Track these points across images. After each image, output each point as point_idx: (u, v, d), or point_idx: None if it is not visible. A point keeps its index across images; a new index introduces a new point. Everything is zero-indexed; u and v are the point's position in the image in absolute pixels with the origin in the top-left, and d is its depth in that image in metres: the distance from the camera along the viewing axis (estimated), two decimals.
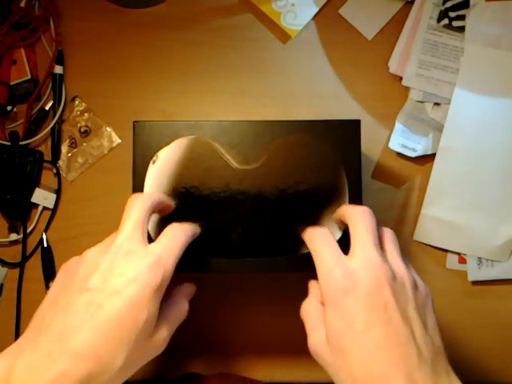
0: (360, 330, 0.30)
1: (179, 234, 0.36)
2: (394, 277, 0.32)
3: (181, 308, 0.37)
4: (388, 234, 0.37)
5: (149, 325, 0.32)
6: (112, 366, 0.30)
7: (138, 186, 0.41)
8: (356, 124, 0.42)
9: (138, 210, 0.35)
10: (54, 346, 0.29)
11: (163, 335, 0.34)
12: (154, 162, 0.41)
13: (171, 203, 0.40)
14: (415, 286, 0.34)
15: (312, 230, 0.37)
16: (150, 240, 0.36)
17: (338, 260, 0.33)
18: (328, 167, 0.41)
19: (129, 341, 0.30)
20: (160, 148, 0.41)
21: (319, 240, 0.35)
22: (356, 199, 0.41)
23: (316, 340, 0.33)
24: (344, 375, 0.31)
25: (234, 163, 0.41)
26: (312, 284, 0.37)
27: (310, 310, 0.35)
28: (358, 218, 0.35)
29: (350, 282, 0.31)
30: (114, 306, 0.30)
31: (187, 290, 0.39)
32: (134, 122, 0.42)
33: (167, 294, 0.34)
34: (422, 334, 0.31)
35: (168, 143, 0.41)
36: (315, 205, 0.40)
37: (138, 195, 0.37)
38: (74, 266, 0.34)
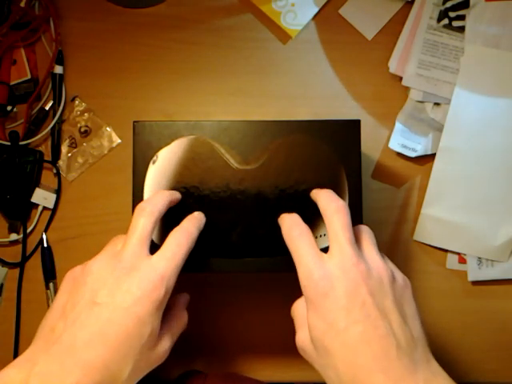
0: (340, 329, 0.32)
1: (182, 244, 0.36)
2: (370, 274, 0.33)
3: (181, 319, 0.38)
4: (364, 229, 0.38)
5: (152, 338, 0.34)
6: (119, 376, 0.32)
7: (137, 186, 0.41)
8: (356, 124, 0.42)
9: (144, 223, 0.35)
10: (66, 357, 0.31)
11: (165, 346, 0.35)
12: (154, 162, 0.41)
13: (177, 195, 0.40)
14: (393, 280, 0.35)
15: (290, 228, 0.36)
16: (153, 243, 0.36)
17: (316, 262, 0.34)
18: (328, 167, 0.41)
19: (134, 353, 0.32)
20: (160, 148, 0.41)
21: (298, 240, 0.35)
22: (356, 199, 0.41)
23: (302, 338, 0.35)
24: (329, 371, 0.32)
25: (234, 163, 0.41)
26: None
27: (298, 308, 0.36)
28: (334, 215, 0.35)
29: (329, 284, 0.33)
30: (122, 321, 0.32)
31: (184, 300, 0.40)
32: (134, 122, 0.42)
33: (167, 304, 0.35)
34: (400, 325, 0.32)
35: (168, 143, 0.41)
36: (315, 205, 0.40)
37: (144, 206, 0.36)
38: (80, 277, 0.35)
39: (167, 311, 0.36)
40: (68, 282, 0.36)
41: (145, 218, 0.36)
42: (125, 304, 0.32)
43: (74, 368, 0.30)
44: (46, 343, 0.32)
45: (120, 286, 0.33)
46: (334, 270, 0.33)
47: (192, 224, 0.38)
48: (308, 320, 0.34)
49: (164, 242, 0.36)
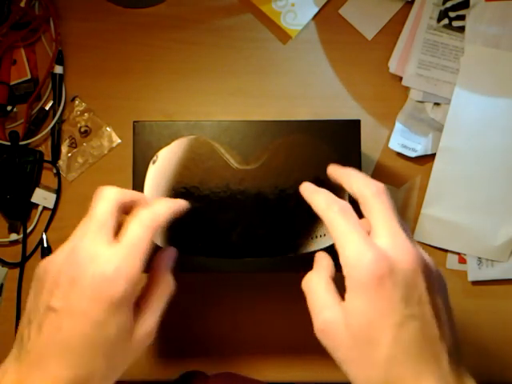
0: (395, 322, 0.28)
1: (147, 226, 0.32)
2: (426, 266, 0.30)
3: (164, 286, 0.34)
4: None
5: (121, 333, 0.31)
6: (92, 380, 0.30)
7: (137, 186, 0.41)
8: (356, 124, 0.42)
9: (102, 207, 0.32)
10: (34, 370, 0.29)
11: (147, 328, 0.32)
12: (153, 162, 0.41)
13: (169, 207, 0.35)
14: (439, 277, 0.31)
15: (329, 204, 0.32)
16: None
17: (367, 241, 0.30)
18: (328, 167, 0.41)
19: (104, 354, 0.30)
20: (160, 148, 0.41)
21: (341, 216, 0.31)
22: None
23: (329, 320, 0.30)
24: (362, 363, 0.29)
25: (233, 163, 0.41)
26: (321, 256, 0.35)
27: (317, 284, 0.32)
28: (377, 198, 0.32)
29: (386, 267, 0.28)
30: (81, 328, 0.30)
31: (166, 259, 0.36)
32: (134, 121, 0.42)
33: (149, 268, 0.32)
34: (449, 329, 0.30)
35: (168, 143, 0.41)
36: None
37: (101, 189, 0.33)
38: (43, 275, 0.32)
39: (146, 283, 0.33)
40: (34, 282, 0.33)
41: (103, 202, 0.32)
42: (79, 308, 0.30)
43: (43, 382, 0.29)
44: (18, 352, 0.31)
45: (73, 287, 0.30)
46: (391, 252, 0.29)
47: (160, 206, 0.34)
48: (348, 303, 0.29)
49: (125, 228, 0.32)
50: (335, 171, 0.37)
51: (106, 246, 0.31)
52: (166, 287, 0.34)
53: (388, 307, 0.28)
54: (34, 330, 0.30)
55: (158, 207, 0.34)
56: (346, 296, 0.30)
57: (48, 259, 0.32)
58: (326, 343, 0.31)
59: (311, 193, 0.35)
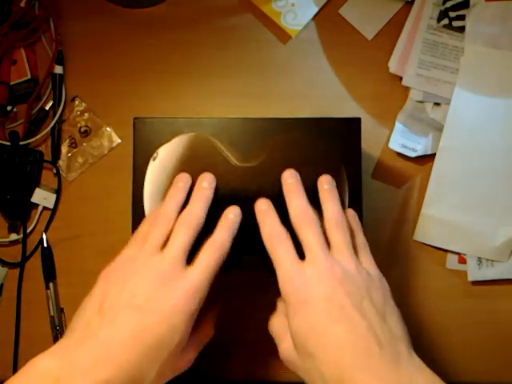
0: (321, 332, 0.32)
1: (215, 256, 0.37)
2: (346, 276, 0.34)
3: (208, 330, 0.40)
4: (336, 230, 0.37)
5: (180, 346, 0.35)
6: (145, 379, 0.33)
7: (138, 183, 0.41)
8: (356, 122, 0.42)
9: (183, 234, 0.37)
10: (100, 353, 0.32)
11: (191, 355, 0.37)
12: (154, 159, 0.41)
13: (210, 195, 0.40)
14: (369, 280, 0.35)
15: (271, 234, 0.37)
16: None
17: (295, 269, 0.35)
18: (328, 165, 0.41)
19: (162, 359, 0.34)
20: (160, 145, 0.41)
21: (278, 245, 0.36)
22: (356, 198, 0.41)
23: (285, 349, 0.36)
24: (314, 375, 0.33)
25: (233, 160, 0.41)
26: (279, 300, 0.39)
27: (276, 324, 0.38)
28: (304, 226, 0.37)
29: (308, 290, 0.34)
30: (156, 328, 0.33)
31: (214, 311, 0.41)
32: (135, 118, 0.42)
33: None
34: (379, 324, 0.33)
35: (168, 140, 0.41)
36: (314, 202, 0.39)
37: (185, 218, 0.38)
38: (120, 275, 0.36)
39: (196, 322, 0.37)
40: (104, 280, 0.36)
41: (184, 231, 0.37)
42: (161, 311, 0.34)
43: (106, 365, 0.32)
44: (81, 336, 0.33)
45: (158, 294, 0.34)
46: (311, 275, 0.34)
47: (225, 232, 0.38)
48: (290, 327, 0.34)
49: (198, 253, 0.37)
50: (283, 186, 0.40)
51: (183, 268, 0.36)
52: (209, 332, 0.40)
53: (314, 320, 0.33)
54: (108, 320, 0.33)
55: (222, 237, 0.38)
56: (288, 320, 0.35)
57: (122, 265, 0.37)
58: (291, 369, 0.36)
59: (260, 213, 0.39)
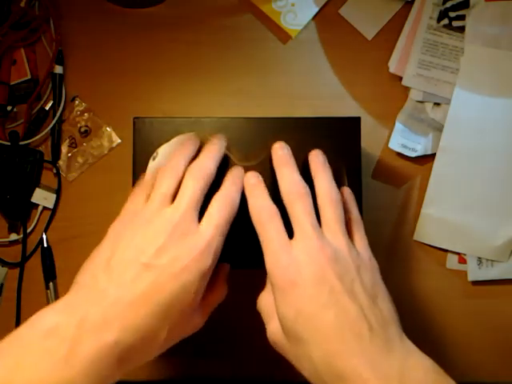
0: (310, 316, 0.31)
1: (227, 211, 0.35)
2: (337, 257, 0.33)
3: (220, 291, 0.38)
4: (333, 203, 0.36)
5: (192, 307, 0.34)
6: (155, 339, 0.32)
7: None
8: (356, 121, 0.42)
9: (193, 187, 0.35)
10: (109, 313, 0.31)
11: (201, 317, 0.36)
12: (153, 159, 0.41)
13: (222, 150, 0.39)
14: (359, 261, 0.34)
15: (259, 211, 0.36)
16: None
17: (283, 249, 0.33)
18: (328, 164, 0.41)
19: (172, 319, 0.32)
20: (160, 144, 0.41)
21: (267, 224, 0.35)
22: (356, 197, 0.41)
23: (272, 330, 0.34)
24: (303, 361, 0.32)
25: (233, 160, 0.41)
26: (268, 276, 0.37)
27: (264, 301, 0.36)
28: (295, 200, 0.35)
29: (296, 271, 0.32)
30: (167, 287, 0.32)
31: (225, 270, 0.39)
32: (134, 118, 0.42)
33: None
34: (369, 307, 0.32)
35: (168, 140, 0.41)
36: (314, 202, 0.39)
37: (194, 169, 0.36)
38: (129, 229, 0.34)
39: (209, 282, 0.35)
40: (111, 234, 0.35)
41: (194, 182, 0.35)
42: (172, 269, 0.32)
43: (115, 324, 0.30)
44: (88, 292, 0.32)
45: (168, 250, 0.33)
46: (300, 256, 0.33)
47: (233, 187, 0.37)
48: (277, 310, 0.33)
49: (207, 207, 0.35)
50: (274, 161, 0.39)
51: (195, 223, 0.34)
52: (221, 293, 0.38)
53: (302, 304, 0.32)
54: (116, 277, 0.32)
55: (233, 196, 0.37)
56: (275, 302, 0.33)
57: (130, 218, 0.35)
58: (279, 352, 0.34)
59: (249, 186, 0.37)
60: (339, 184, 0.40)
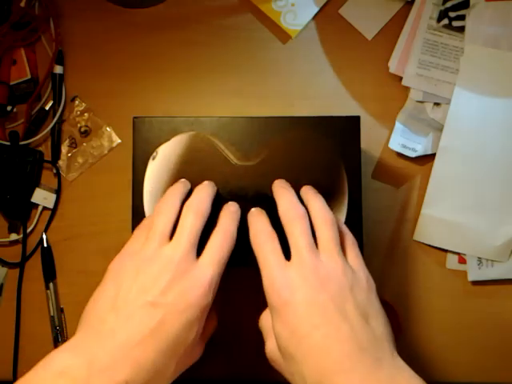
0: (302, 335, 0.32)
1: (225, 246, 0.36)
2: (330, 279, 0.34)
3: (213, 321, 0.39)
4: (328, 226, 0.37)
5: (195, 341, 0.35)
6: (164, 376, 0.33)
7: (137, 182, 0.41)
8: (356, 120, 0.42)
9: (192, 223, 0.36)
10: (119, 354, 0.31)
11: (200, 348, 0.37)
12: (153, 158, 0.41)
13: (214, 188, 0.40)
14: (354, 280, 0.35)
15: (257, 234, 0.37)
16: None
17: (279, 270, 0.34)
18: (328, 163, 0.41)
19: (179, 355, 0.34)
20: (160, 144, 0.42)
21: (264, 244, 0.36)
22: (356, 197, 0.41)
23: (270, 348, 0.35)
24: (297, 378, 0.33)
25: (233, 159, 0.41)
26: None
27: (264, 319, 0.37)
28: (294, 221, 0.36)
29: (289, 293, 0.33)
30: (174, 324, 0.33)
31: (216, 302, 0.41)
32: (134, 117, 0.42)
33: None
34: (361, 327, 0.32)
35: (168, 139, 0.42)
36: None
37: (191, 204, 0.37)
38: (130, 268, 0.35)
39: None
40: (113, 273, 0.36)
41: (193, 218, 0.36)
42: (178, 307, 0.33)
43: (125, 365, 0.31)
44: (97, 334, 0.32)
45: (173, 288, 0.34)
46: (294, 277, 0.34)
47: (230, 221, 0.38)
48: (273, 329, 0.34)
49: (207, 243, 0.36)
50: (273, 188, 0.40)
51: (195, 260, 0.35)
52: (213, 323, 0.39)
53: (295, 324, 0.33)
54: (124, 317, 0.33)
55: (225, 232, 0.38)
56: (272, 322, 0.34)
57: (130, 256, 0.36)
58: (276, 369, 0.35)
59: (251, 216, 0.39)
60: (339, 184, 0.40)
